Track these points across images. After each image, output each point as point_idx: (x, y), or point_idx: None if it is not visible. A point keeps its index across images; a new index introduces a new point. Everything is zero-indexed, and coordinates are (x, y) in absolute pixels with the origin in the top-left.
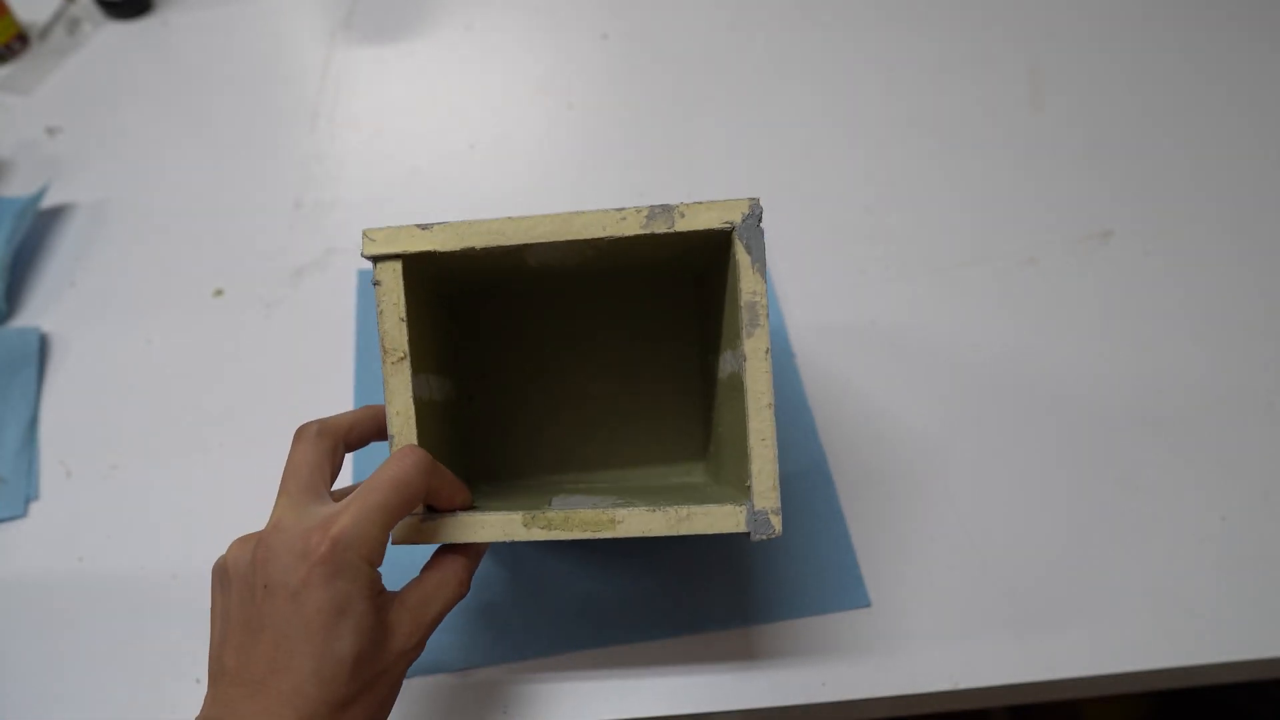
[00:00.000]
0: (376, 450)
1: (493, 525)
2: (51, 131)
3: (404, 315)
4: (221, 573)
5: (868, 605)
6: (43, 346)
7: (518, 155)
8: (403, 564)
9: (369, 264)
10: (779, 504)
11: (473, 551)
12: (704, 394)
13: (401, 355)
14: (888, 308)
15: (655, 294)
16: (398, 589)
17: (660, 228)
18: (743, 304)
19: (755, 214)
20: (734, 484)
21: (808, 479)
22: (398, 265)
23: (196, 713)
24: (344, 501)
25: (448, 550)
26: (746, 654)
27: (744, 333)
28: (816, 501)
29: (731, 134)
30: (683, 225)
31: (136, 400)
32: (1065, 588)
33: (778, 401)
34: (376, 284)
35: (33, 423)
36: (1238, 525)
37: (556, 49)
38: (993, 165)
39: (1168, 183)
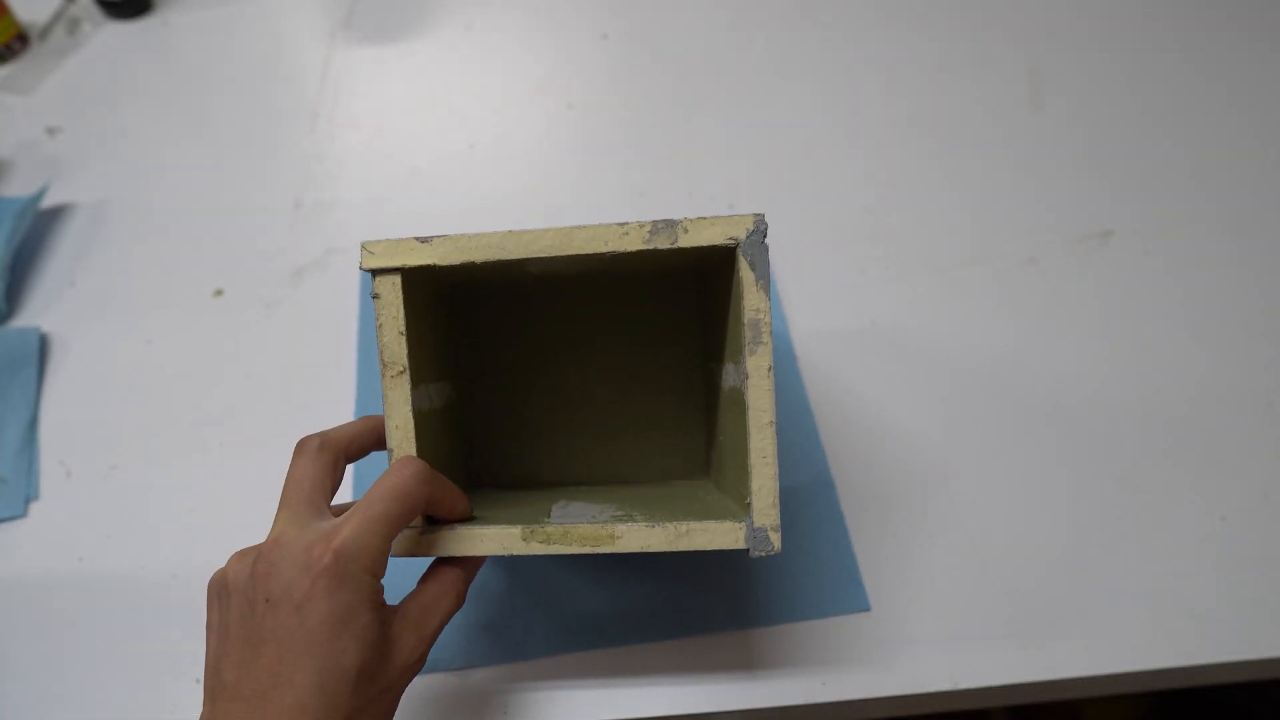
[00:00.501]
0: (376, 460)
1: (491, 539)
2: (51, 131)
3: (403, 329)
4: (220, 587)
5: (868, 609)
6: (43, 346)
7: (518, 155)
8: (395, 579)
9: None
10: (778, 521)
11: (470, 563)
12: (705, 399)
13: (401, 369)
14: (888, 308)
15: (657, 299)
16: (394, 603)
17: (663, 244)
18: (746, 321)
19: (760, 230)
20: (734, 496)
21: (809, 482)
22: (397, 279)
23: (197, 713)
24: (345, 515)
25: (444, 562)
26: (746, 656)
27: (746, 350)
28: (817, 504)
29: (731, 134)
30: (686, 241)
31: (136, 400)
32: (1065, 588)
33: (779, 404)
34: (376, 297)
35: (33, 423)
36: (1238, 525)
37: (556, 49)
38: (993, 165)
39: (1168, 183)
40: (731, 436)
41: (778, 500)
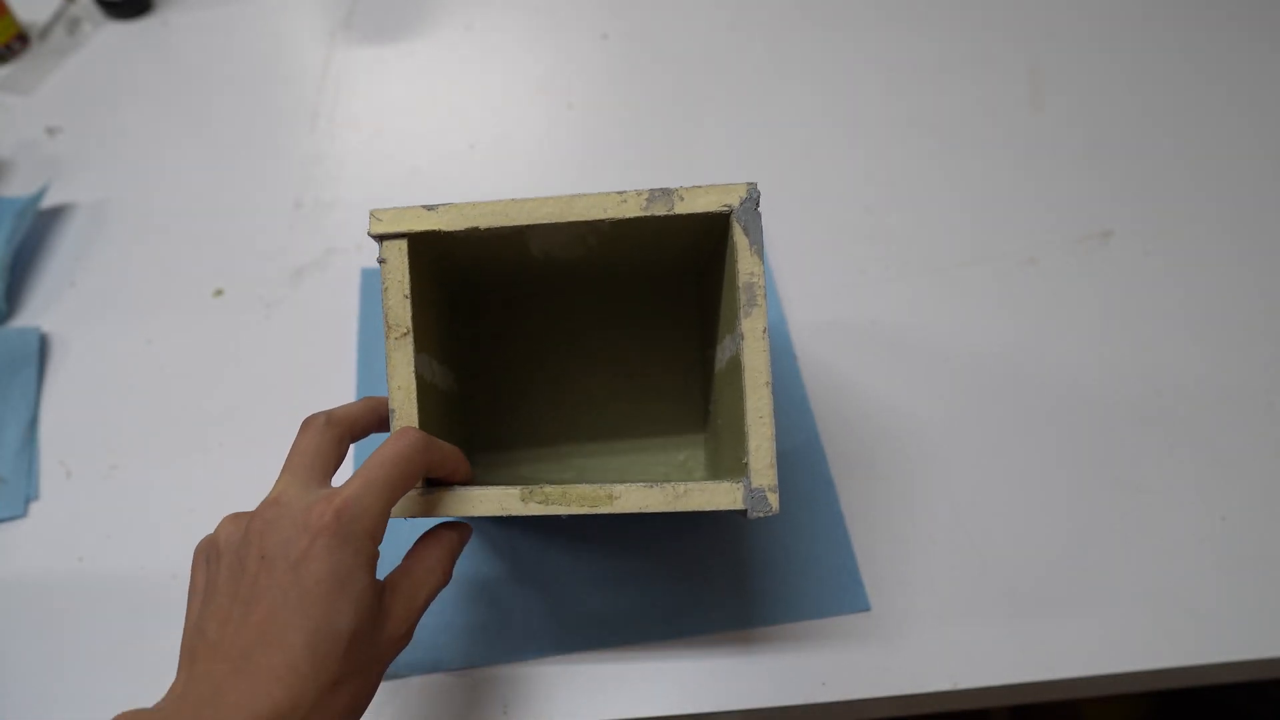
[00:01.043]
0: (375, 442)
1: (491, 499)
2: (51, 131)
3: (408, 293)
4: (209, 548)
5: (868, 609)
6: (43, 346)
7: (518, 155)
8: (384, 552)
9: (372, 263)
10: (776, 481)
11: (456, 538)
12: (703, 392)
13: (405, 331)
14: (888, 308)
15: (656, 294)
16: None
17: (660, 210)
18: (740, 285)
19: (753, 197)
20: (731, 469)
21: (809, 481)
22: (403, 244)
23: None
24: (346, 481)
25: (431, 537)
26: (746, 656)
27: (742, 313)
28: (817, 504)
29: (731, 134)
30: (682, 208)
31: (136, 400)
32: (1065, 588)
33: (778, 402)
34: (382, 262)
35: (33, 423)
36: (1238, 525)
37: (556, 49)
38: (993, 165)
39: (1168, 183)
40: (728, 413)
41: (775, 461)
